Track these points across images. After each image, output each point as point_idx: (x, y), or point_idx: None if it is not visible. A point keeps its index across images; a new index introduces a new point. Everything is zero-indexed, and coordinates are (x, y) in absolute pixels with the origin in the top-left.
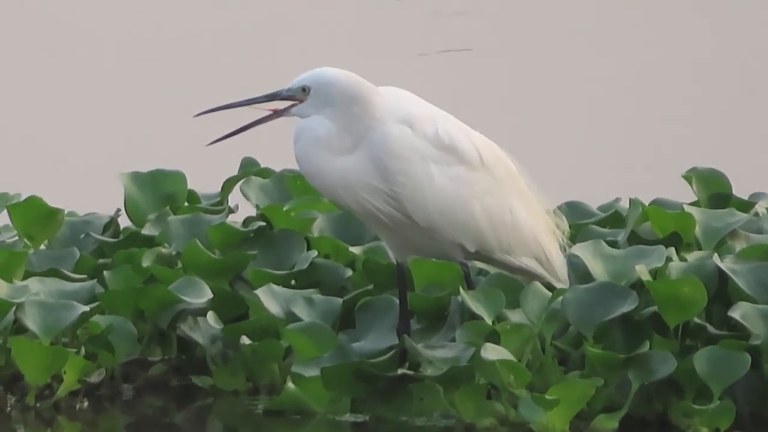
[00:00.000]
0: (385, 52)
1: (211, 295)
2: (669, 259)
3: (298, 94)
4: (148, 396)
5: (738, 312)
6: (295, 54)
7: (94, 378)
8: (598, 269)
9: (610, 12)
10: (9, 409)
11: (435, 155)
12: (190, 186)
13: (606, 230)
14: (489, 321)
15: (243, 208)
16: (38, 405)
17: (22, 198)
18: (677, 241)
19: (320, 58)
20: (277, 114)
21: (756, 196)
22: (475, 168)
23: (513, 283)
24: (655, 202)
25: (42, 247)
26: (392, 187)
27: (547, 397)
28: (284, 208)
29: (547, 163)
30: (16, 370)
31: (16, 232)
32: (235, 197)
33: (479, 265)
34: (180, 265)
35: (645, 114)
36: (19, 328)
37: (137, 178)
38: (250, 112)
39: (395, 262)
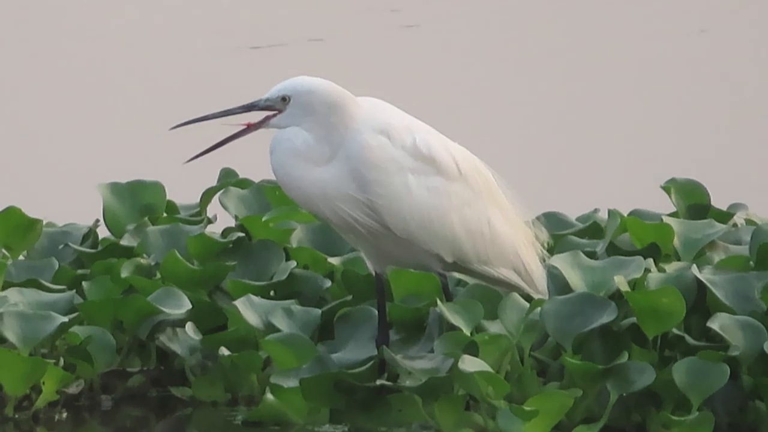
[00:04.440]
0: (356, 62)
1: (189, 306)
2: (648, 270)
3: (277, 104)
4: (127, 407)
5: (717, 323)
6: (274, 67)
7: (73, 389)
8: (576, 280)
9: (588, 23)
10: None
11: (413, 166)
12: (169, 197)
13: (585, 241)
14: (467, 332)
15: (222, 218)
16: (17, 416)
17: (1, 208)
18: (656, 252)
19: (299, 71)
20: (254, 126)
21: (734, 207)
22: (453, 179)
23: (491, 294)
24: (634, 213)
25: (21, 257)
26: (370, 198)
27: (526, 408)
28: (263, 219)
29: (525, 174)
30: None
31: None
32: (213, 208)
33: (458, 275)
34: (159, 275)
35: (623, 125)
36: None
37: (116, 188)
38: (227, 122)
39: (374, 273)
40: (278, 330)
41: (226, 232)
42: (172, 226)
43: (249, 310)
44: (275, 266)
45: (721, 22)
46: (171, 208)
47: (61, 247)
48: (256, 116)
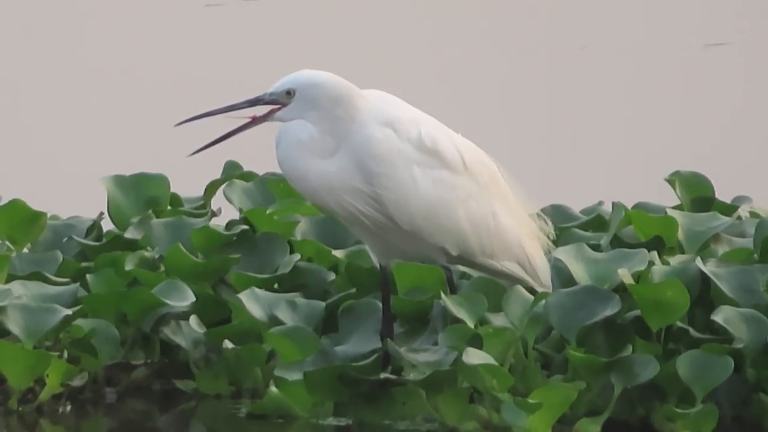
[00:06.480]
0: (365, 53)
1: (193, 299)
2: (652, 263)
3: (282, 98)
4: (130, 399)
5: (720, 316)
6: (276, 62)
7: (77, 381)
8: (580, 273)
9: (594, 16)
10: None
11: (418, 158)
12: (173, 189)
13: (589, 234)
14: (471, 325)
15: (226, 211)
16: (21, 409)
17: (5, 201)
18: (660, 244)
19: (301, 63)
20: (259, 120)
21: (739, 200)
22: (458, 172)
23: (495, 287)
24: (638, 206)
25: (25, 250)
26: (375, 190)
27: (530, 401)
28: (267, 212)
29: (530, 167)
30: None
31: None
32: (218, 201)
33: (462, 268)
34: (163, 268)
35: (628, 117)
36: (1, 332)
37: (120, 181)
38: (232, 116)
39: (378, 266)
40: (282, 323)
41: (230, 224)
42: (176, 218)
43: (253, 302)
44: (279, 259)
45: (726, 12)
46: (175, 200)
47: (65, 239)
48: (261, 110)
